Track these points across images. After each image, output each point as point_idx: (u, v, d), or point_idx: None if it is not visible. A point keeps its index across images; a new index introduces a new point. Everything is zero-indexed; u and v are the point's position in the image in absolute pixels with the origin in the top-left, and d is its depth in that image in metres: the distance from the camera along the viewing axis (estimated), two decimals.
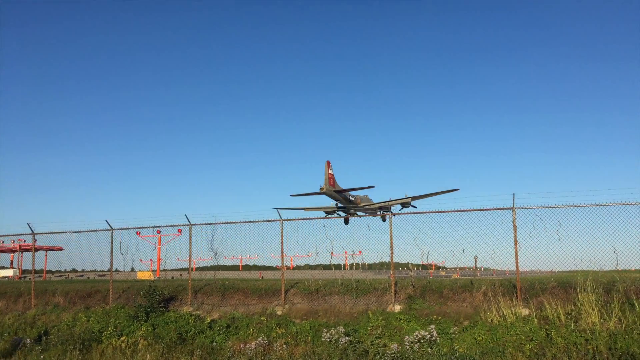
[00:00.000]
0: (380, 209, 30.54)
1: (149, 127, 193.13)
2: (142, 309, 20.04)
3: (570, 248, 16.88)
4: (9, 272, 72.11)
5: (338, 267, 21.66)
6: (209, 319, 19.13)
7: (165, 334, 18.20)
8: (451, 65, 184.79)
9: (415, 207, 29.88)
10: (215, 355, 16.42)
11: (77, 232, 24.24)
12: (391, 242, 18.56)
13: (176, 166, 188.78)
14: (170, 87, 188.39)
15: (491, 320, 15.99)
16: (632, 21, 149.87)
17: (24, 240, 66.26)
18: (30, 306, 24.09)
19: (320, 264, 22.72)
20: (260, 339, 16.80)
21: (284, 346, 16.37)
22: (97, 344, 18.05)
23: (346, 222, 27.23)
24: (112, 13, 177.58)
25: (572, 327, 14.65)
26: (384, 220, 26.27)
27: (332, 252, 20.43)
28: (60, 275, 65.48)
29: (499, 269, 31.19)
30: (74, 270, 74.25)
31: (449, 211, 18.35)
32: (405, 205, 27.61)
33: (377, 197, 32.32)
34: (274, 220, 20.34)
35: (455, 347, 15.00)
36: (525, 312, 16.12)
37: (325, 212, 28.69)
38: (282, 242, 20.16)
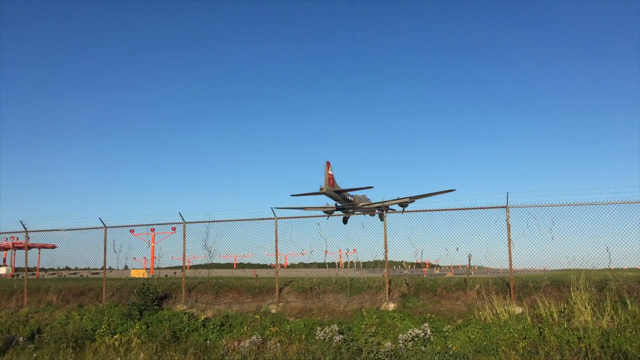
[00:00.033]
0: (378, 208, 30.74)
1: (148, 125, 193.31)
2: (136, 307, 19.98)
3: (563, 247, 16.98)
4: (2, 270, 71.89)
5: (332, 265, 21.68)
6: (202, 317, 19.10)
7: (159, 332, 18.15)
8: (450, 65, 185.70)
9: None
10: (209, 354, 16.39)
11: (71, 229, 24.15)
12: (385, 241, 18.58)
13: (173, 165, 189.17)
14: (169, 86, 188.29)
15: (485, 319, 16.04)
16: (632, 21, 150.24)
17: (17, 238, 65.86)
18: (23, 304, 23.98)
19: (315, 262, 22.73)
20: (254, 337, 16.79)
21: (278, 344, 16.36)
22: (91, 342, 17.97)
23: (345, 221, 27.66)
24: (111, 12, 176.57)
25: (565, 326, 14.71)
26: (382, 219, 26.87)
27: (326, 251, 20.47)
28: (54, 273, 65.35)
29: (492, 267, 31.35)
30: (67, 268, 74.09)
31: (443, 210, 18.40)
32: (403, 205, 27.76)
33: (376, 196, 32.71)
34: (268, 219, 20.34)
35: (449, 346, 15.05)
36: (518, 310, 16.18)
37: (325, 212, 28.87)
38: (276, 240, 20.16)
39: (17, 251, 71.38)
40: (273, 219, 20.18)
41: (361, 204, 30.57)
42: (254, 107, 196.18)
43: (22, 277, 29.20)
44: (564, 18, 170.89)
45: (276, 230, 20.13)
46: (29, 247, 26.50)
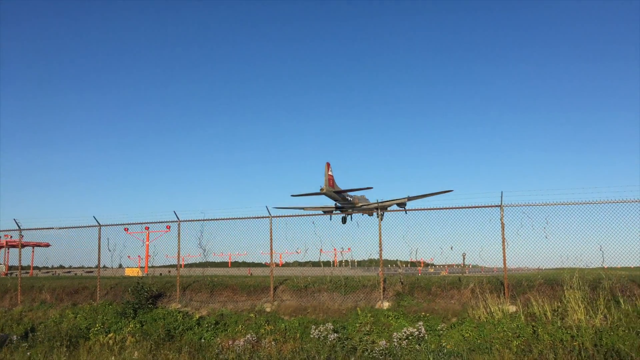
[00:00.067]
0: (377, 208, 31.04)
1: (147, 125, 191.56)
2: (130, 306, 19.94)
3: (557, 245, 17.07)
4: None
5: (327, 264, 21.72)
6: (197, 316, 19.09)
7: (153, 330, 18.13)
8: (450, 66, 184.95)
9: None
10: (203, 352, 16.38)
11: (65, 228, 24.08)
12: (380, 240, 18.62)
13: (169, 164, 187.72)
14: (167, 85, 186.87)
15: (479, 317, 16.10)
16: (632, 21, 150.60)
17: (11, 236, 65.51)
18: (17, 303, 23.90)
19: (310, 261, 22.82)
20: (248, 336, 16.78)
21: (273, 343, 16.37)
22: (85, 341, 17.95)
23: (344, 221, 28.49)
24: (109, 11, 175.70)
25: (559, 324, 14.79)
26: (381, 219, 27.20)
27: (321, 249, 20.50)
28: (47, 272, 65.06)
29: (487, 266, 31.44)
30: (61, 267, 73.72)
31: (438, 208, 18.46)
32: (401, 205, 28.00)
33: (375, 197, 33.17)
34: (262, 217, 20.33)
35: (443, 344, 15.10)
36: (512, 309, 16.25)
37: (324, 212, 29.16)
38: (271, 238, 20.17)
39: (11, 249, 71.00)
40: (268, 217, 20.18)
41: (360, 204, 31.02)
42: (253, 107, 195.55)
43: (16, 275, 29.03)
44: (562, 18, 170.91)
45: (271, 228, 20.13)
46: (23, 246, 26.38)
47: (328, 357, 14.84)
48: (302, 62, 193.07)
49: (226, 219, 21.10)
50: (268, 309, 19.30)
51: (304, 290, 19.98)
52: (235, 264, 79.57)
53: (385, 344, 15.25)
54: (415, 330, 15.64)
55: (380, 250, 18.57)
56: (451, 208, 18.14)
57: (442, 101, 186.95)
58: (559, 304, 15.68)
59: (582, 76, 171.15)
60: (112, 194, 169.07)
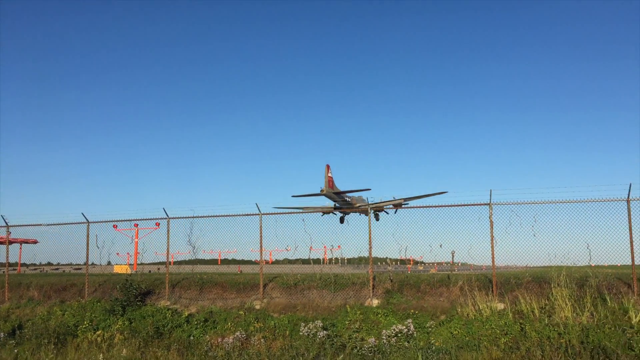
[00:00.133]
0: (374, 209, 31.66)
1: (145, 124, 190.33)
2: (119, 303, 19.84)
3: (545, 244, 17.24)
4: None
5: (317, 261, 21.74)
6: (186, 313, 19.04)
7: (142, 328, 18.05)
8: (450, 65, 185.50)
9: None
10: (192, 350, 16.34)
11: (53, 224, 23.90)
12: (370, 237, 18.66)
13: (159, 161, 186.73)
14: (164, 84, 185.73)
15: (467, 315, 16.20)
16: (632, 21, 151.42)
17: None
18: (4, 300, 23.69)
19: (300, 259, 22.81)
20: (238, 333, 16.76)
21: (262, 340, 16.36)
22: (73, 338, 17.84)
23: (342, 221, 29.08)
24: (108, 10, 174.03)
25: (546, 321, 14.92)
26: (377, 219, 28.83)
27: (311, 247, 20.50)
28: (35, 269, 64.49)
29: (475, 264, 31.74)
30: (49, 264, 73.28)
31: (427, 206, 18.59)
32: (397, 206, 28.48)
33: (374, 197, 33.83)
34: (252, 215, 20.30)
35: (432, 341, 15.17)
36: (500, 306, 16.36)
37: (323, 212, 29.58)
38: (260, 236, 20.14)
39: None
40: (257, 214, 20.16)
41: (358, 204, 31.70)
42: (252, 107, 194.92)
43: (3, 272, 28.79)
44: (563, 18, 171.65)
45: (261, 226, 20.11)
46: (10, 242, 26.13)
47: (317, 355, 14.87)
48: (302, 62, 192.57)
49: (216, 216, 21.07)
50: (257, 307, 19.29)
51: (293, 287, 19.99)
52: (225, 262, 79.46)
53: (375, 341, 15.30)
54: (404, 327, 15.70)
55: (370, 248, 18.62)
56: (440, 206, 18.26)
57: (441, 101, 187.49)
58: (547, 301, 15.82)
59: (573, 76, 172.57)
60: (101, 191, 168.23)
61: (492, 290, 17.07)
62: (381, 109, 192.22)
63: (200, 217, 21.22)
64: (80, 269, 52.08)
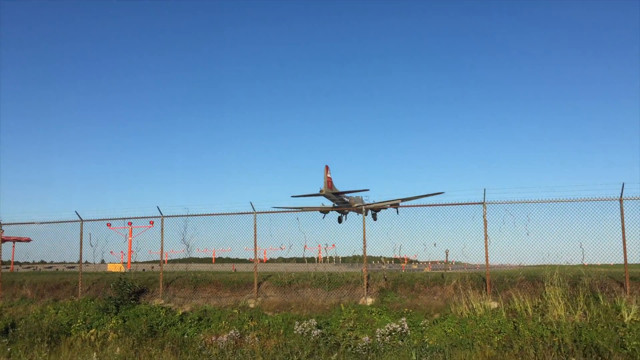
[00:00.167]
0: (371, 209, 31.98)
1: (140, 122, 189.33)
2: (112, 302, 19.79)
3: (538, 242, 17.31)
4: None
5: (311, 260, 21.73)
6: (180, 312, 19.01)
7: (136, 326, 18.01)
8: (445, 67, 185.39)
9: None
10: (186, 348, 16.32)
11: (46, 222, 23.79)
12: (364, 236, 18.68)
13: (155, 161, 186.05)
14: (162, 84, 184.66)
15: (461, 313, 16.26)
16: (631, 20, 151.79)
17: None
18: None
19: (294, 257, 22.82)
20: (232, 332, 16.76)
21: (256, 339, 16.36)
22: (66, 337, 17.77)
23: (340, 221, 29.64)
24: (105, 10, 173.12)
25: (539, 320, 15.00)
26: (375, 219, 29.39)
27: (305, 245, 20.49)
28: (29, 267, 64.24)
29: (469, 262, 31.91)
30: (43, 262, 72.88)
31: (422, 205, 18.67)
32: (394, 206, 28.70)
33: (372, 197, 34.25)
34: (246, 213, 20.28)
35: (426, 340, 15.22)
36: (494, 305, 16.43)
37: (322, 212, 29.75)
38: (255, 234, 20.12)
39: None
40: (252, 213, 20.14)
41: (356, 204, 32.01)
42: (252, 106, 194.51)
43: None
44: (550, 18, 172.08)
45: (255, 224, 20.10)
46: (3, 240, 26.03)
47: (311, 353, 14.87)
48: (302, 63, 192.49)
49: (210, 214, 21.05)
50: (252, 305, 19.28)
51: (287, 286, 20.00)
52: (219, 260, 79.36)
53: (369, 340, 15.33)
54: (398, 326, 15.74)
55: (364, 246, 18.65)
56: (434, 205, 18.33)
57: (440, 100, 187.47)
58: (540, 300, 15.90)
59: (567, 76, 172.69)
60: (95, 189, 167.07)
61: (486, 289, 17.13)
62: (381, 109, 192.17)
63: (194, 215, 21.21)
64: (73, 267, 51.86)
